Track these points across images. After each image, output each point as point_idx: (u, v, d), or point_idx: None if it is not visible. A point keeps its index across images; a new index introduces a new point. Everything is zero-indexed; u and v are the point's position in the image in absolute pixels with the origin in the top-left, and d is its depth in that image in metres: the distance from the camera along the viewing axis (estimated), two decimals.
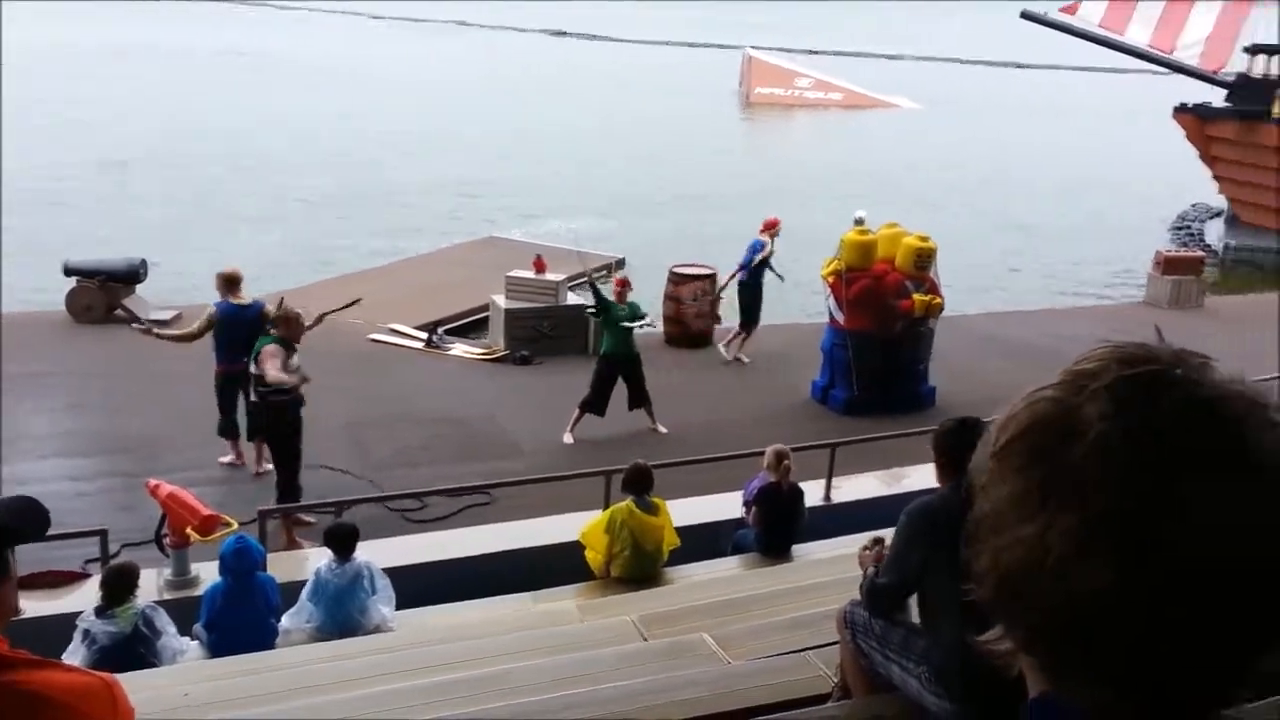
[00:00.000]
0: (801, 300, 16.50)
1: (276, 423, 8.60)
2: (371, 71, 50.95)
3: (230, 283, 9.42)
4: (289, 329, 8.54)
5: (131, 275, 13.81)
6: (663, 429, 10.85)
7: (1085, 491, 0.79)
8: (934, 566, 3.76)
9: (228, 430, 9.60)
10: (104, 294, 13.59)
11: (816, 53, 64.78)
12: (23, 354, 12.61)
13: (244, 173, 27.46)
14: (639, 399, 10.83)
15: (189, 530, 6.96)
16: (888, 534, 4.26)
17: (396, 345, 13.72)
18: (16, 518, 1.81)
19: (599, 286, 11.05)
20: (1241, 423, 0.80)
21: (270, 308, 9.14)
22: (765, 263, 13.02)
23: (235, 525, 7.13)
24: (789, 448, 7.95)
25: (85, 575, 6.99)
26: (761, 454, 7.91)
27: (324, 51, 61.47)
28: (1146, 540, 0.77)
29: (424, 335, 13.85)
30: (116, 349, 12.47)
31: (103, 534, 6.93)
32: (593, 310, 11.52)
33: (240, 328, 9.16)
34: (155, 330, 10.20)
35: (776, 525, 7.67)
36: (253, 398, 8.66)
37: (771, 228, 13.13)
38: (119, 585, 5.91)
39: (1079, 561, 0.79)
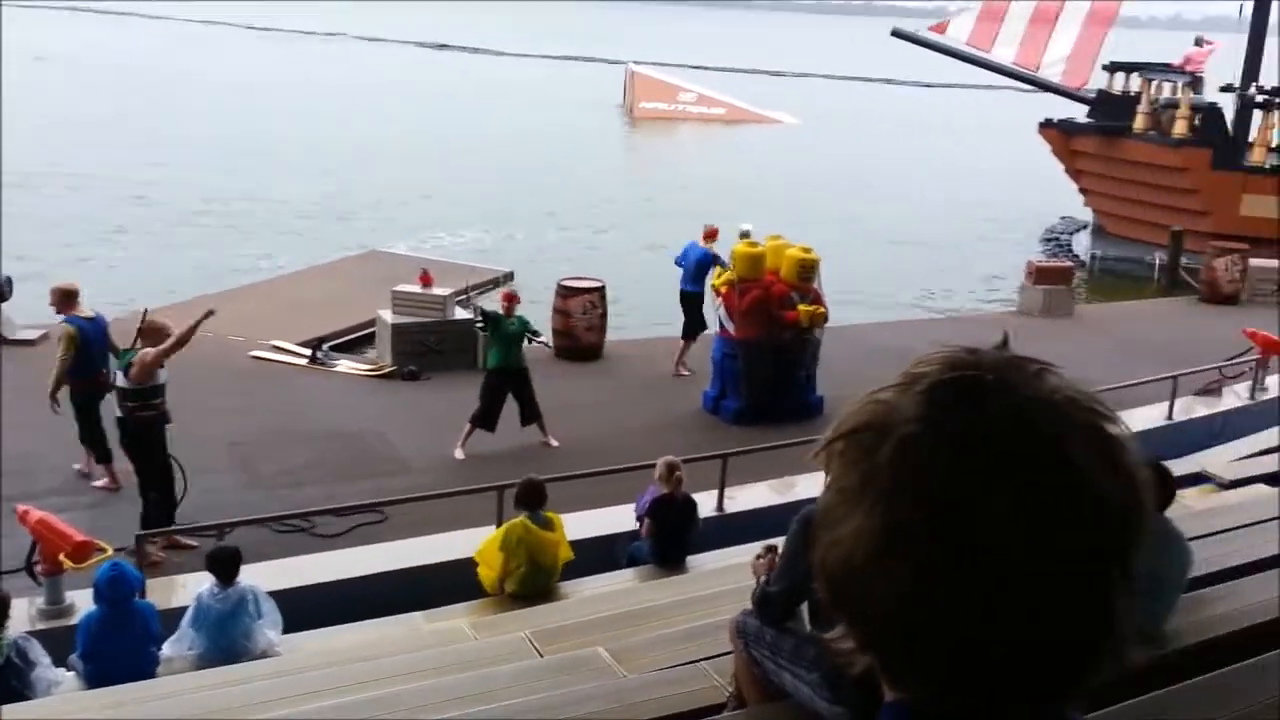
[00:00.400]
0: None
1: (143, 439, 8.33)
2: (244, 82, 49.79)
3: (69, 296, 9.37)
4: (155, 340, 8.31)
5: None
6: (554, 442, 10.82)
7: (890, 492, 0.80)
8: None
9: (100, 453, 9.28)
10: None
11: (699, 68, 65.54)
12: None
13: (104, 187, 26.51)
14: (530, 414, 10.78)
15: (62, 557, 6.69)
16: (780, 542, 4.33)
17: (279, 362, 13.41)
18: None
19: (481, 305, 11.04)
20: (1052, 428, 0.80)
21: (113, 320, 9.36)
22: (706, 271, 13.01)
23: (110, 551, 6.88)
24: (680, 459, 8.03)
25: None
26: (654, 466, 7.97)
27: (190, 60, 59.90)
28: (943, 543, 0.78)
29: (307, 352, 13.56)
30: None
31: None
32: (481, 325, 11.47)
33: (95, 341, 9.20)
34: (52, 396, 9.66)
35: (670, 536, 7.72)
36: (117, 413, 8.37)
37: (712, 236, 13.27)
38: None
39: (882, 562, 0.80)
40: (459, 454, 10.50)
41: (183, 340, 8.42)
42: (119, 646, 6.01)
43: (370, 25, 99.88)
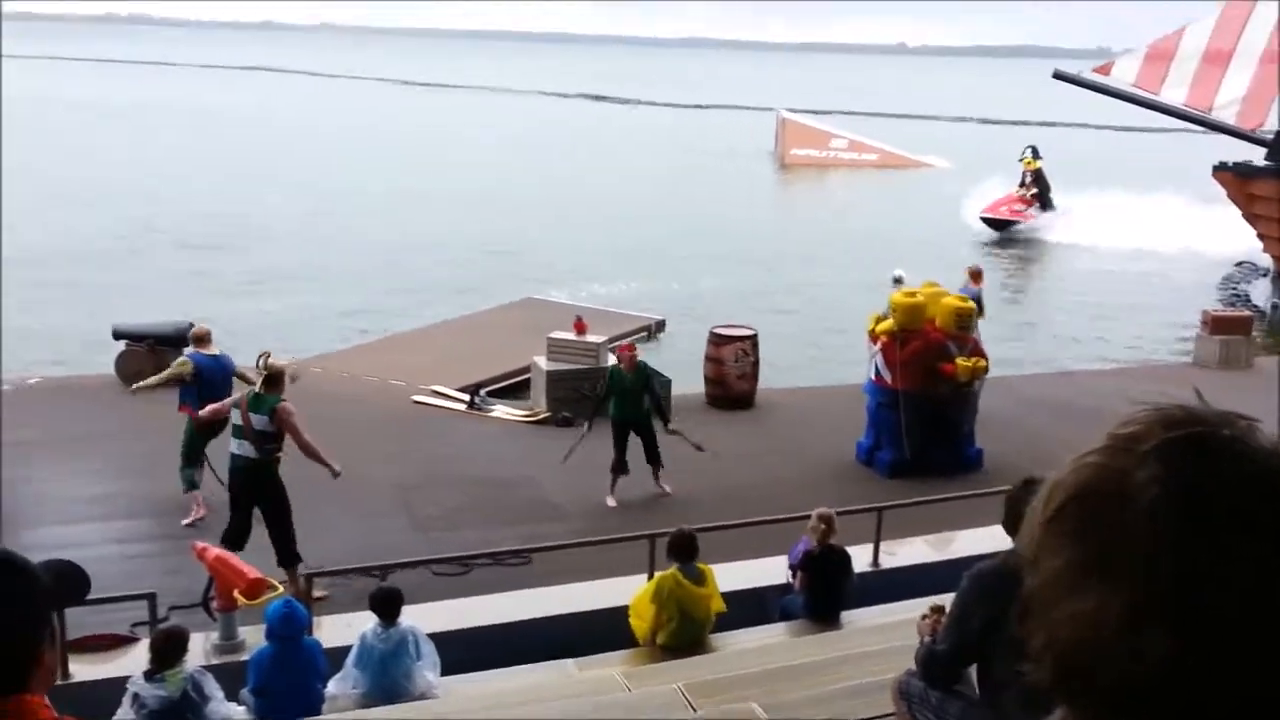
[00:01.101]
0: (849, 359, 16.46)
1: (277, 480, 8.47)
2: (404, 133, 51.81)
3: (200, 339, 10.29)
4: (277, 386, 8.51)
5: (178, 338, 13.97)
6: (668, 489, 10.87)
7: (1140, 560, 0.77)
8: (996, 634, 3.68)
9: (190, 484, 9.80)
10: (152, 357, 13.75)
11: (850, 114, 65.23)
12: (73, 417, 12.82)
13: (276, 234, 27.89)
14: (651, 456, 10.85)
15: (236, 594, 6.98)
16: (947, 601, 4.19)
17: (439, 407, 13.79)
18: (58, 581, 1.83)
19: (593, 392, 11.40)
20: None
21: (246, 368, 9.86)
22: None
23: (281, 589, 7.14)
24: (834, 511, 7.89)
25: (133, 639, 7.02)
26: (806, 518, 7.85)
27: (351, 113, 62.65)
28: (1204, 607, 0.75)
29: (466, 397, 13.91)
30: (165, 411, 12.59)
31: (151, 597, 6.96)
32: (589, 393, 11.78)
33: (215, 377, 9.95)
34: (136, 386, 10.62)
35: (824, 591, 7.58)
36: (251, 454, 8.39)
37: (977, 277, 13.32)
38: (168, 649, 5.92)
39: (1138, 632, 0.77)
40: (611, 501, 10.57)
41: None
42: (288, 682, 6.23)
43: (523, 78, 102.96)
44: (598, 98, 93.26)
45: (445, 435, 12.83)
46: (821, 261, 26.46)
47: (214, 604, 7.21)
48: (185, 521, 9.66)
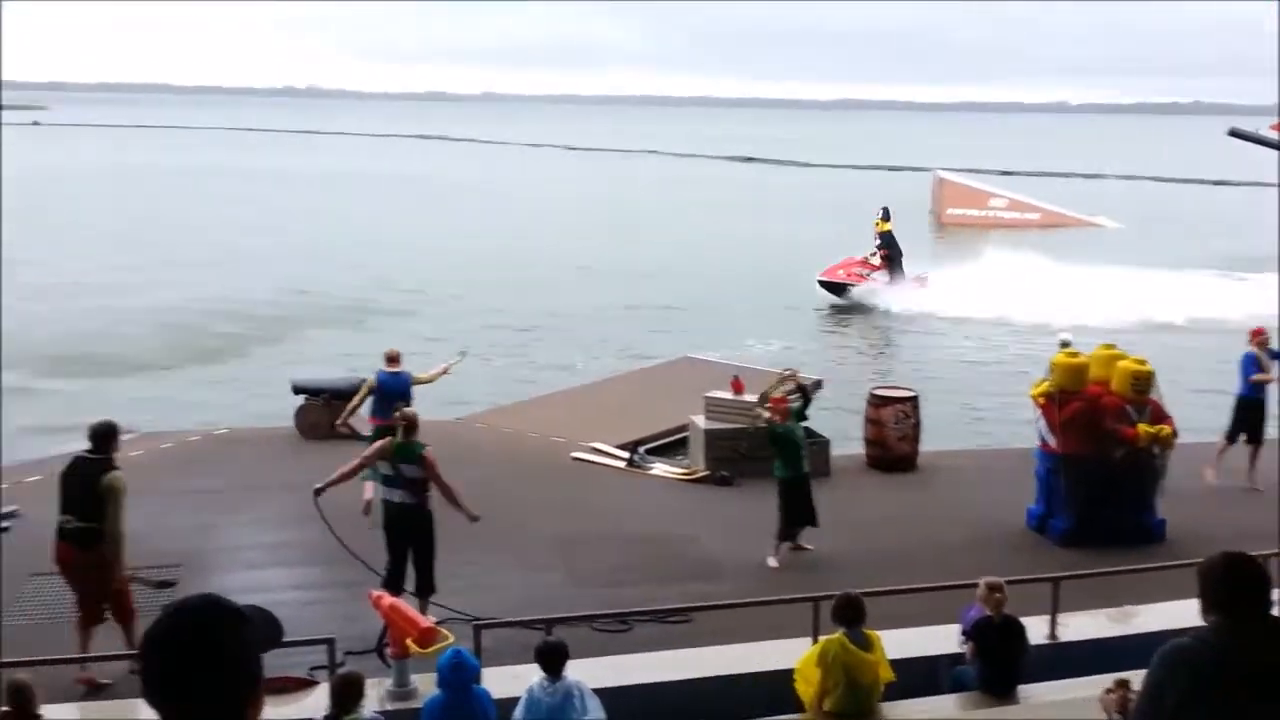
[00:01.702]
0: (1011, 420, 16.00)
1: (423, 522, 8.84)
2: (554, 196, 53.07)
3: (390, 359, 12.18)
4: (416, 433, 8.94)
5: (354, 392, 14.57)
6: (809, 547, 10.74)
7: None
8: (1190, 713, 3.50)
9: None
10: (329, 411, 14.37)
11: (1008, 173, 63.89)
12: (254, 467, 13.46)
13: (440, 294, 28.83)
14: (809, 515, 10.74)
15: (409, 642, 7.16)
16: (1133, 676, 4.00)
17: (598, 463, 13.95)
18: (262, 626, 1.95)
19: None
20: None
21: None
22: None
23: (452, 639, 7.29)
24: (1004, 579, 7.63)
25: (313, 682, 7.26)
26: (975, 585, 7.61)
27: (505, 179, 64.50)
28: None
29: (625, 454, 14.04)
30: (340, 462, 13.12)
31: (330, 642, 7.19)
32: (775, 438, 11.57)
33: (395, 388, 11.74)
34: (344, 420, 13.03)
35: (997, 662, 7.31)
36: (406, 500, 8.77)
37: (1257, 337, 13.01)
38: (347, 694, 6.11)
39: None
40: (772, 562, 10.48)
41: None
42: None
43: (672, 139, 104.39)
44: (748, 159, 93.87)
45: (604, 491, 12.96)
46: (983, 323, 25.87)
47: (388, 651, 7.41)
48: (364, 499, 10.76)
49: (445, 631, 7.38)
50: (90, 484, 7.80)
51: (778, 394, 11.38)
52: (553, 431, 15.09)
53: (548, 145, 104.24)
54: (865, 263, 28.88)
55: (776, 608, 8.39)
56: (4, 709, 5.87)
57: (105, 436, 7.97)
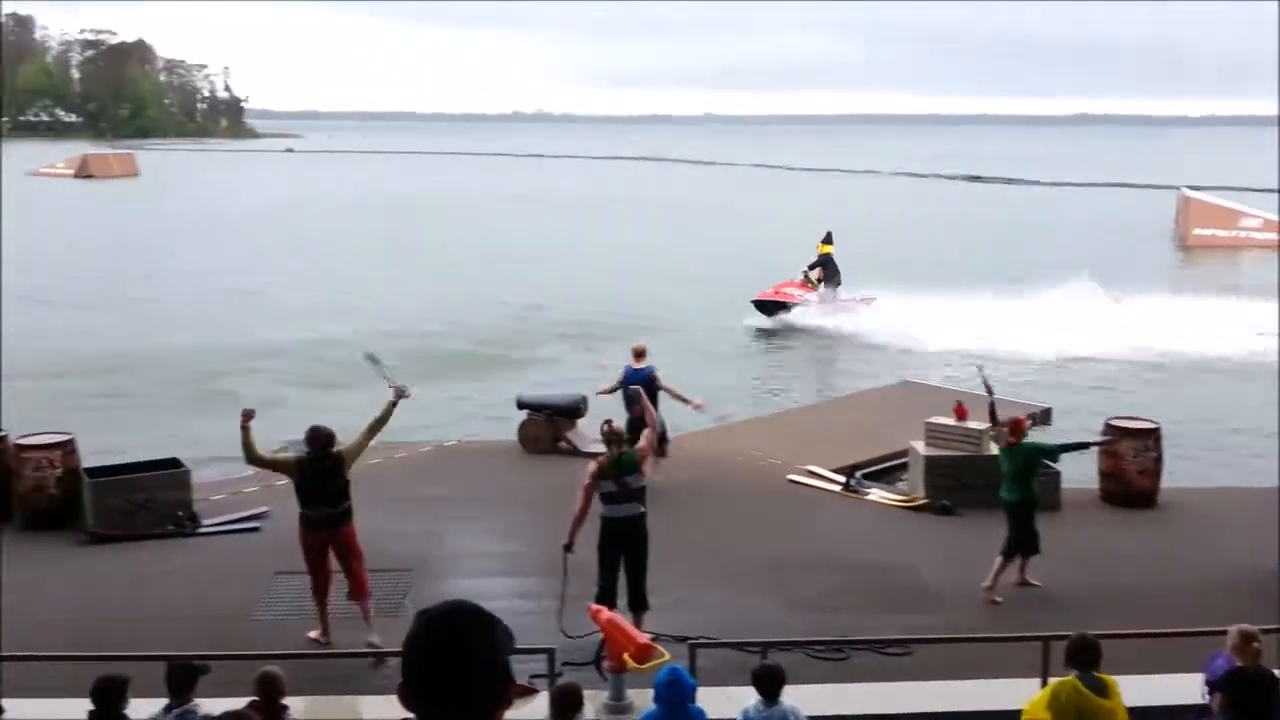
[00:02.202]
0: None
1: (644, 532, 9.03)
2: (776, 215, 52.86)
3: (637, 353, 13.36)
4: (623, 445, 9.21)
5: (574, 410, 14.99)
6: (1036, 582, 10.25)
7: None
8: None
9: None
10: (550, 426, 14.81)
11: (1265, 190, 59.52)
12: (480, 478, 14.01)
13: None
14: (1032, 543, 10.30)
15: (626, 657, 7.27)
16: None
17: (813, 487, 13.80)
18: (505, 634, 2.06)
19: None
20: None
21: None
22: None
23: (668, 656, 7.36)
24: (1257, 629, 7.07)
25: (534, 690, 7.47)
26: (1222, 633, 7.09)
27: (726, 198, 64.73)
28: None
29: (841, 479, 13.83)
30: (560, 477, 13.49)
31: (550, 653, 7.38)
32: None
33: (637, 380, 12.52)
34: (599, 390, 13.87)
35: (1249, 717, 6.77)
36: (619, 513, 8.92)
37: None
38: (567, 705, 6.26)
39: None
40: (997, 597, 10.07)
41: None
42: None
43: (896, 156, 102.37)
44: (974, 178, 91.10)
45: (820, 515, 12.79)
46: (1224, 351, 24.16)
47: (605, 665, 7.55)
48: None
49: (662, 649, 7.46)
50: (333, 477, 8.92)
51: (1017, 415, 11.02)
52: (769, 453, 15.03)
53: (770, 166, 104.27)
54: (801, 284, 28.14)
55: (1001, 645, 8.08)
56: (253, 698, 6.31)
57: (329, 439, 9.01)
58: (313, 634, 9.12)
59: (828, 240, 28.63)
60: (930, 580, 10.61)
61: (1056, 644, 7.13)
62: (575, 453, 14.24)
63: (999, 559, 10.16)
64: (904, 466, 14.26)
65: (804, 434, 16.22)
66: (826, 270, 28.11)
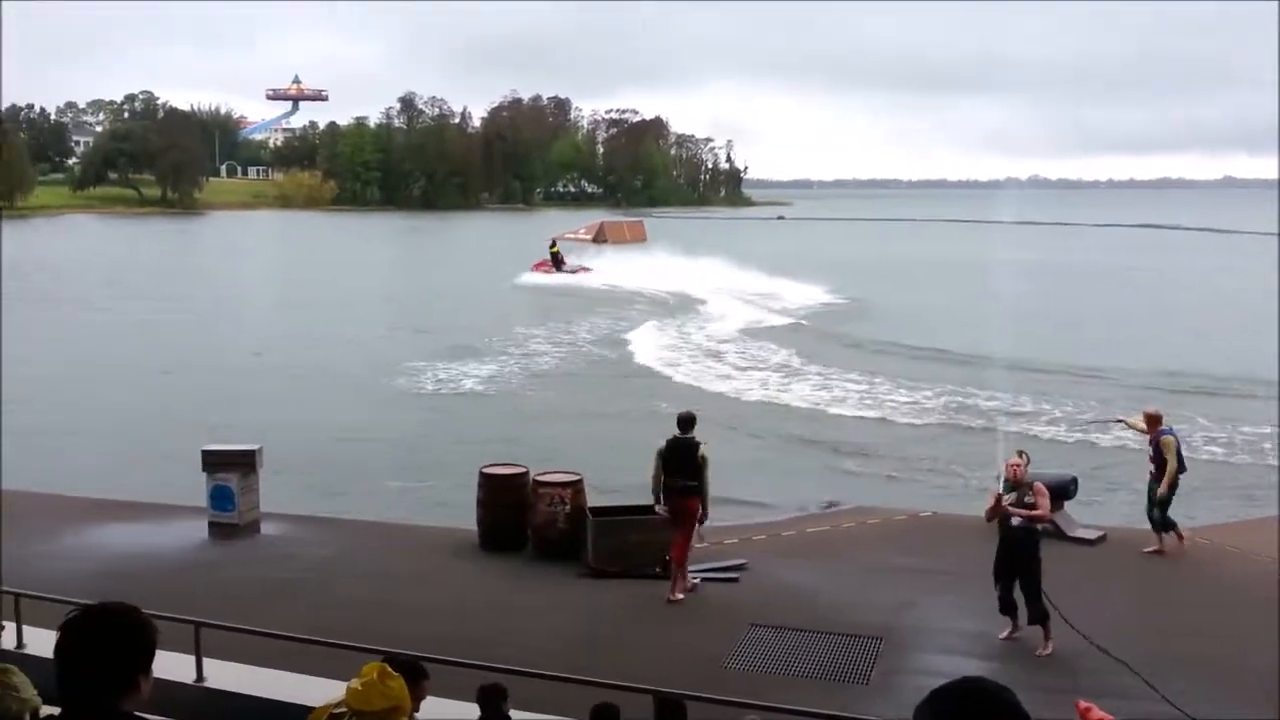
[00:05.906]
0: None
1: (1036, 546, 10.26)
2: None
3: (1152, 420, 13.46)
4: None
5: (1063, 491, 14.07)
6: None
7: None
8: None
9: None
10: None
11: None
12: (955, 552, 13.46)
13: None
14: None
15: None
16: None
17: None
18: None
19: None
20: None
21: None
22: None
23: None
24: None
25: None
26: None
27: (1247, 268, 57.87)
28: None
29: None
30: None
31: None
32: None
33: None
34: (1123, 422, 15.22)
35: None
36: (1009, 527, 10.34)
37: None
38: None
39: None
40: None
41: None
42: None
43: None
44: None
45: None
46: None
47: None
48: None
49: None
50: (690, 455, 11.35)
51: None
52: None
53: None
54: (544, 264, 54.77)
55: None
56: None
57: (690, 422, 11.52)
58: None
59: (553, 245, 56.10)
60: None
61: None
62: (1059, 536, 13.31)
63: None
64: None
65: None
66: (555, 257, 55.27)
